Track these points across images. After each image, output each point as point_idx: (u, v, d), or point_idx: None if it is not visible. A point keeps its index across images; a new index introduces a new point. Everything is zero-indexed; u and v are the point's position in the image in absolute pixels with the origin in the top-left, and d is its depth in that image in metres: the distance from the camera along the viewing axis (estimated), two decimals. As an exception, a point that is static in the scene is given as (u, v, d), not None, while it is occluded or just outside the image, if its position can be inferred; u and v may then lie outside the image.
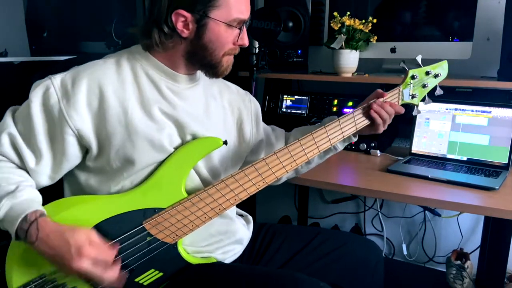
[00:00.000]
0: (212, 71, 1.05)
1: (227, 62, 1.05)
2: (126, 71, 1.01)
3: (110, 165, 0.99)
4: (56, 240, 0.88)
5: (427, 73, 1.15)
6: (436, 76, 1.15)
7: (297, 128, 1.31)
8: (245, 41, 1.04)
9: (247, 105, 1.21)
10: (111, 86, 0.98)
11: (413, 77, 1.14)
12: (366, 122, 1.13)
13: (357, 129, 1.12)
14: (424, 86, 1.16)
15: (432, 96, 1.18)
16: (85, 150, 1.00)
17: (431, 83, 1.16)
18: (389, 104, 1.11)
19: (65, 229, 0.89)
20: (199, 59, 1.03)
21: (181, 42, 1.01)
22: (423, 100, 1.18)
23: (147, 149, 0.99)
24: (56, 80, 0.97)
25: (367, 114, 1.12)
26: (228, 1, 0.97)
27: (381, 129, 1.14)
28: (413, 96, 1.16)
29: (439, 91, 1.17)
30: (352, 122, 1.11)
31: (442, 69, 1.16)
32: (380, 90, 1.14)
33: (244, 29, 1.03)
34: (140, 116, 0.99)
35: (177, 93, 1.04)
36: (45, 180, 0.99)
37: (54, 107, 0.95)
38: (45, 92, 0.96)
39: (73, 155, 0.99)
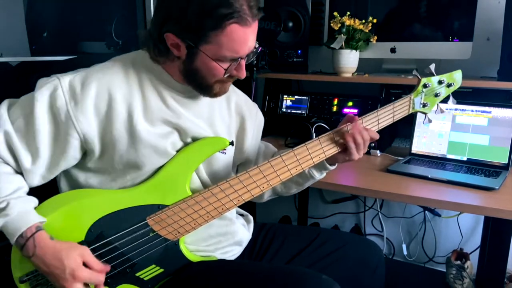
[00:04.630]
0: (204, 93, 1.03)
1: (220, 88, 1.01)
2: (133, 78, 1.00)
3: (114, 167, 0.99)
4: (52, 259, 0.89)
5: (440, 82, 1.11)
6: (449, 85, 1.12)
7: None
8: (240, 74, 0.98)
9: (253, 116, 1.20)
10: (120, 92, 0.97)
11: (425, 86, 1.11)
12: (335, 149, 1.06)
13: (326, 156, 1.06)
14: (436, 95, 1.12)
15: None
16: (84, 152, 1.00)
17: (444, 92, 1.13)
18: (366, 129, 1.05)
19: (60, 248, 0.90)
20: (192, 79, 1.00)
21: (175, 60, 0.98)
22: (445, 101, 1.12)
23: (151, 155, 0.99)
24: (65, 81, 0.95)
25: (338, 139, 1.05)
26: (219, 40, 0.91)
27: (356, 155, 1.06)
28: (424, 105, 1.13)
29: (452, 101, 1.13)
30: (319, 148, 1.05)
31: (456, 78, 1.12)
32: (351, 115, 1.07)
33: (242, 62, 0.97)
34: (144, 124, 0.98)
35: (181, 103, 1.03)
36: (38, 179, 0.98)
37: (61, 109, 0.94)
38: (52, 92, 0.94)
39: (72, 157, 0.98)
